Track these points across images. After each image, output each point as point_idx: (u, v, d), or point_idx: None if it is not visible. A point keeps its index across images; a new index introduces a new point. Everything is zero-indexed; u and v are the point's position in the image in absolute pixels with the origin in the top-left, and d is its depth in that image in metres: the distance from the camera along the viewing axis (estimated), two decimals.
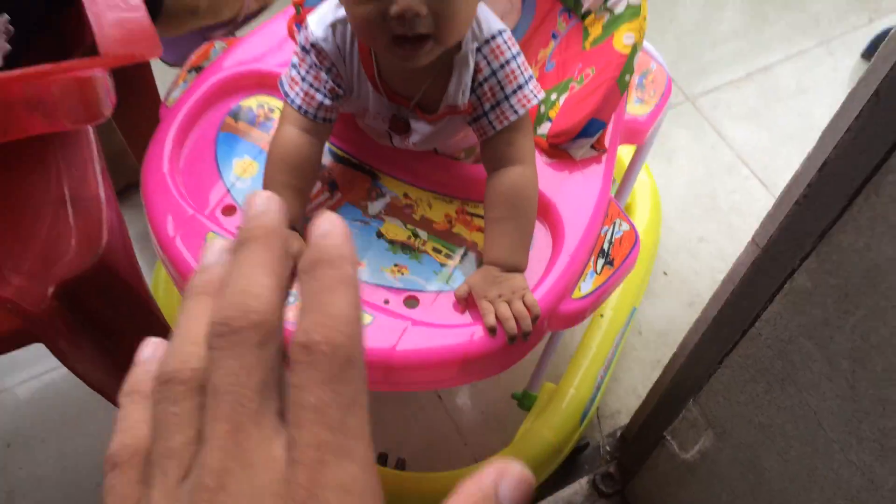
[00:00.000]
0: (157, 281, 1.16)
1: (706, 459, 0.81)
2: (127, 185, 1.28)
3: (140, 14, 0.63)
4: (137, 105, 1.00)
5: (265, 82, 0.93)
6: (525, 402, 1.08)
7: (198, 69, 0.95)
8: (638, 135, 0.97)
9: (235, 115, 0.91)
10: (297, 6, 0.96)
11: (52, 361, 0.75)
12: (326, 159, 0.88)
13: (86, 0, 0.59)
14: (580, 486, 1.05)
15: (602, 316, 1.14)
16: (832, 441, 0.62)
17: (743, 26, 1.66)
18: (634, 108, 0.97)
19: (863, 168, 0.49)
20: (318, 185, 0.86)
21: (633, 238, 0.85)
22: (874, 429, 0.57)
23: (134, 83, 0.98)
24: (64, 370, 0.76)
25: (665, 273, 1.30)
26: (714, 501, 0.83)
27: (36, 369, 1.16)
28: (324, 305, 0.26)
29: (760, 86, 1.55)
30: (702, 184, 1.41)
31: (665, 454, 0.89)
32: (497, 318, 0.75)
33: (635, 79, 0.99)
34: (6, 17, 0.74)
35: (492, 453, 1.04)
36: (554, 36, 1.00)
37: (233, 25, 1.31)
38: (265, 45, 0.97)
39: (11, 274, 0.68)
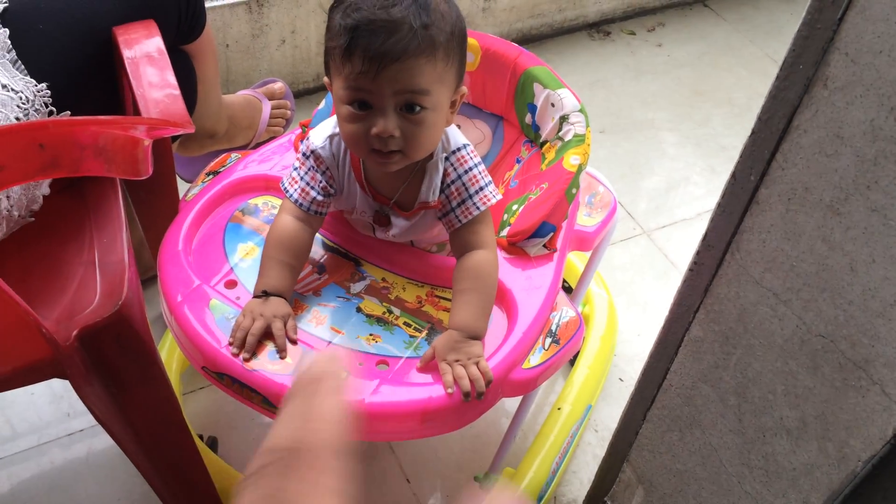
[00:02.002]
0: (161, 346, 1.26)
1: None
2: (141, 280, 1.40)
3: (178, 98, 0.78)
4: (159, 205, 1.14)
5: (270, 185, 1.07)
6: (486, 483, 1.15)
7: (215, 173, 1.09)
8: (586, 242, 1.11)
9: (243, 210, 1.05)
10: (304, 127, 1.13)
11: None
12: (318, 248, 1.01)
13: (134, 83, 0.73)
14: None
15: (560, 409, 1.23)
16: (731, 476, 0.71)
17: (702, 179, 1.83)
18: (584, 220, 1.11)
19: (727, 232, 0.62)
20: (310, 267, 0.99)
21: (577, 323, 0.97)
22: (759, 456, 0.67)
23: (158, 187, 1.13)
24: None
25: (621, 379, 1.39)
26: None
27: None
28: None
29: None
30: (655, 304, 1.53)
31: None
32: (454, 379, 0.85)
33: (585, 198, 1.14)
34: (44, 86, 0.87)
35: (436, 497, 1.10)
36: (518, 161, 1.16)
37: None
38: (272, 156, 1.12)
39: (45, 318, 0.78)
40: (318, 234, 1.01)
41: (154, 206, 1.12)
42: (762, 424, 0.65)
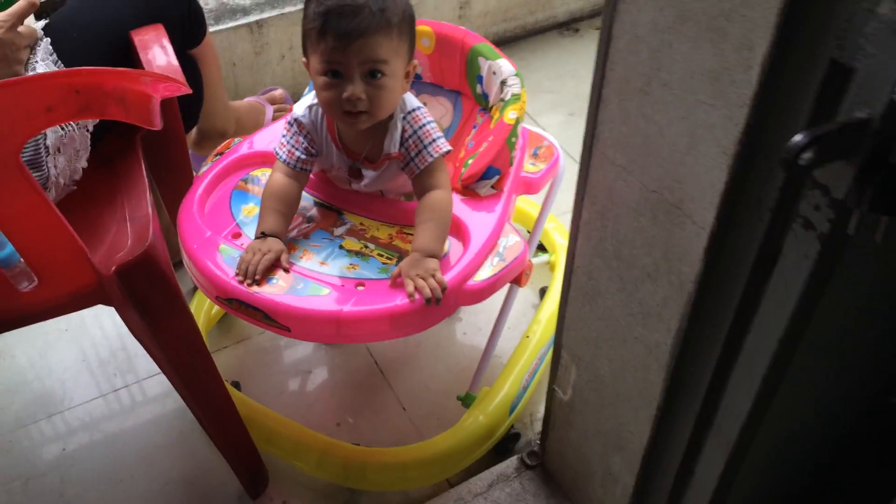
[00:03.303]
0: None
1: (577, 393, 1.06)
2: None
3: (179, 72, 0.99)
4: (178, 185, 1.35)
5: (267, 160, 1.28)
6: (467, 400, 1.33)
7: (221, 153, 1.31)
8: (532, 186, 1.29)
9: (246, 180, 1.26)
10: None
11: None
12: (308, 203, 1.21)
13: (145, 64, 0.94)
14: (511, 462, 1.27)
15: (528, 337, 1.41)
16: (623, 327, 0.89)
17: None
18: (530, 168, 1.30)
19: (590, 129, 0.81)
20: (301, 218, 1.19)
21: (521, 245, 1.16)
22: (636, 303, 0.85)
23: (176, 168, 1.34)
24: None
25: None
26: (587, 426, 1.07)
27: None
28: None
29: None
30: None
31: (556, 405, 1.13)
32: (415, 288, 1.05)
33: (531, 150, 1.34)
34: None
35: (437, 433, 1.28)
36: (474, 126, 1.36)
37: None
38: (269, 137, 1.33)
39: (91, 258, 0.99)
40: (306, 193, 1.21)
41: (174, 187, 1.33)
42: (634, 276, 0.83)
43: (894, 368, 0.85)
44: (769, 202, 0.64)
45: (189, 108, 1.31)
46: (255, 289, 1.06)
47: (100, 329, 1.56)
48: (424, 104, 1.25)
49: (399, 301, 1.04)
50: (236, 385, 1.40)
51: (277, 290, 1.06)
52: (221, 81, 1.49)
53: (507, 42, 2.33)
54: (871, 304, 0.79)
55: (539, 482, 1.25)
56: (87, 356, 1.51)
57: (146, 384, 1.47)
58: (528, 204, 1.62)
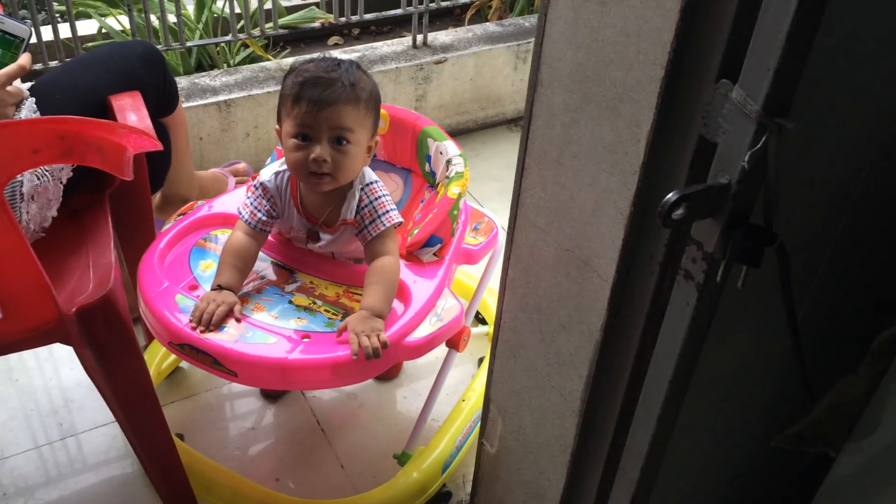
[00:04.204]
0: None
1: (503, 444, 1.13)
2: None
3: (151, 129, 1.09)
4: (140, 242, 1.42)
5: (228, 221, 1.36)
6: (402, 459, 1.38)
7: (184, 214, 1.39)
8: (472, 257, 1.40)
9: (206, 238, 1.34)
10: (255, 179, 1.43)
11: None
12: (264, 262, 1.29)
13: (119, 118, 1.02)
14: None
15: (464, 401, 1.48)
16: (542, 377, 0.97)
17: None
18: (470, 240, 1.41)
19: (516, 195, 0.92)
20: (256, 275, 1.26)
21: (457, 309, 1.25)
22: (553, 353, 0.93)
23: (140, 227, 1.42)
24: None
25: None
26: (511, 477, 1.13)
27: None
28: None
29: None
30: None
31: (484, 459, 1.19)
32: (360, 344, 1.12)
33: (472, 225, 1.45)
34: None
35: (372, 488, 1.32)
36: (422, 201, 1.47)
37: None
38: (231, 200, 1.42)
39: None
40: (263, 253, 1.29)
41: (137, 245, 1.40)
42: (551, 328, 0.92)
43: (787, 411, 0.94)
44: (658, 257, 0.75)
45: (157, 171, 1.40)
46: (206, 335, 1.12)
47: (42, 380, 1.58)
48: (378, 179, 1.37)
49: (341, 352, 1.12)
50: (180, 437, 1.43)
51: (227, 337, 1.13)
52: (189, 151, 1.59)
53: (459, 133, 2.48)
54: (755, 353, 0.90)
55: None
56: (34, 406, 1.53)
57: (92, 434, 1.49)
58: (469, 278, 1.72)
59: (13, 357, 1.62)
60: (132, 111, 1.20)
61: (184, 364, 1.62)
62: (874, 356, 0.77)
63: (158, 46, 1.95)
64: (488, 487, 1.22)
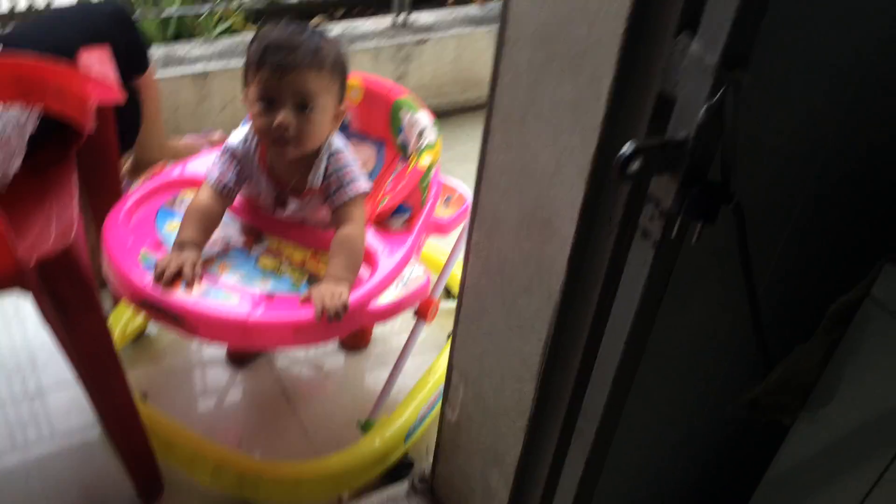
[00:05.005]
0: None
1: (464, 411, 1.12)
2: None
3: (115, 81, 1.07)
4: (108, 203, 1.40)
5: (197, 184, 1.34)
6: (366, 426, 1.37)
7: (153, 175, 1.37)
8: (442, 228, 1.39)
9: (173, 201, 1.32)
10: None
11: None
12: (232, 223, 1.28)
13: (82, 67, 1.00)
14: (401, 486, 1.31)
15: (430, 372, 1.47)
16: (504, 340, 0.97)
17: None
18: (441, 212, 1.40)
19: (483, 156, 0.91)
20: (223, 235, 1.25)
21: (423, 278, 1.24)
22: (515, 316, 0.93)
23: (107, 187, 1.39)
24: None
25: None
26: (471, 444, 1.13)
27: None
28: None
29: None
30: None
31: (445, 427, 1.19)
32: (322, 306, 1.11)
33: (444, 197, 1.44)
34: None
35: (334, 451, 1.32)
36: (394, 172, 1.46)
37: None
38: (202, 164, 1.40)
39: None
40: (232, 214, 1.28)
41: (104, 206, 1.37)
42: (513, 291, 0.92)
43: (746, 381, 0.94)
44: (617, 216, 0.75)
45: (126, 132, 1.38)
46: (166, 292, 1.11)
47: (9, 339, 1.56)
48: (352, 148, 1.36)
49: (303, 313, 1.11)
50: (144, 396, 1.42)
51: (188, 295, 1.11)
52: (160, 117, 1.56)
53: (439, 115, 2.45)
54: (716, 322, 0.90)
55: None
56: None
57: (54, 396, 1.47)
58: (441, 253, 1.71)
59: None
60: (98, 64, 1.18)
61: (151, 329, 1.61)
62: (831, 321, 0.78)
63: (136, 14, 1.92)
64: (448, 457, 1.21)
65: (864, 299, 0.75)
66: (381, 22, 2.37)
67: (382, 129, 1.47)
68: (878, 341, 0.76)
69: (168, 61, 2.04)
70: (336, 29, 2.31)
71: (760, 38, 0.60)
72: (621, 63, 0.67)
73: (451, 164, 2.14)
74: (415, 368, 1.53)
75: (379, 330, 1.65)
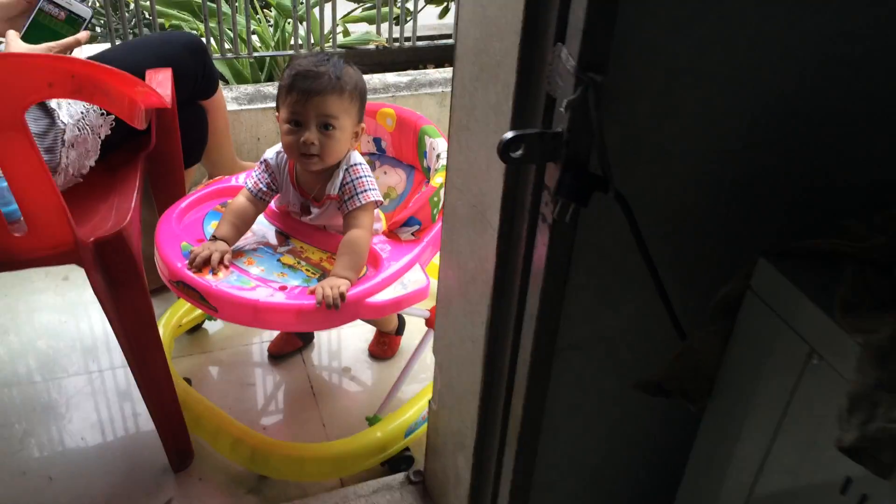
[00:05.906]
0: (159, 321, 1.69)
1: (440, 400, 1.23)
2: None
3: (168, 95, 1.28)
4: (171, 203, 1.62)
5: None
6: (373, 421, 1.49)
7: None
8: None
9: (223, 205, 1.52)
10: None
11: None
12: (265, 227, 1.46)
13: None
14: (397, 476, 1.42)
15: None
16: (461, 328, 1.07)
17: None
18: None
19: (449, 167, 1.04)
20: (255, 237, 1.43)
21: (423, 282, 1.37)
22: (468, 303, 1.04)
23: (172, 191, 1.62)
24: None
25: None
26: (446, 432, 1.23)
27: None
28: None
29: None
30: None
31: (431, 418, 1.29)
32: (322, 296, 1.26)
33: None
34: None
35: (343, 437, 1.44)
36: (419, 193, 1.61)
37: None
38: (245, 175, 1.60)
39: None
40: (266, 220, 1.46)
41: (166, 206, 1.60)
42: (465, 280, 1.03)
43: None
44: (527, 205, 0.86)
45: (193, 145, 1.60)
46: (197, 276, 1.29)
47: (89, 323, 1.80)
48: (385, 173, 1.53)
49: (305, 301, 1.26)
50: (188, 381, 1.60)
51: (215, 280, 1.29)
52: (229, 136, 1.79)
53: None
54: (643, 318, 0.97)
55: (417, 496, 1.38)
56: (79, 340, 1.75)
57: (117, 372, 1.68)
58: None
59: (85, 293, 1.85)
60: (158, 80, 1.41)
61: (207, 324, 1.80)
62: (713, 312, 0.84)
63: (229, 55, 2.20)
64: (434, 447, 1.31)
65: (746, 292, 0.82)
66: (450, 71, 2.56)
67: (411, 154, 1.62)
68: (760, 331, 0.82)
69: (254, 97, 2.30)
70: (408, 76, 2.51)
71: (636, 47, 0.71)
72: (520, 70, 0.79)
73: None
74: (425, 375, 1.65)
75: (406, 343, 1.78)
